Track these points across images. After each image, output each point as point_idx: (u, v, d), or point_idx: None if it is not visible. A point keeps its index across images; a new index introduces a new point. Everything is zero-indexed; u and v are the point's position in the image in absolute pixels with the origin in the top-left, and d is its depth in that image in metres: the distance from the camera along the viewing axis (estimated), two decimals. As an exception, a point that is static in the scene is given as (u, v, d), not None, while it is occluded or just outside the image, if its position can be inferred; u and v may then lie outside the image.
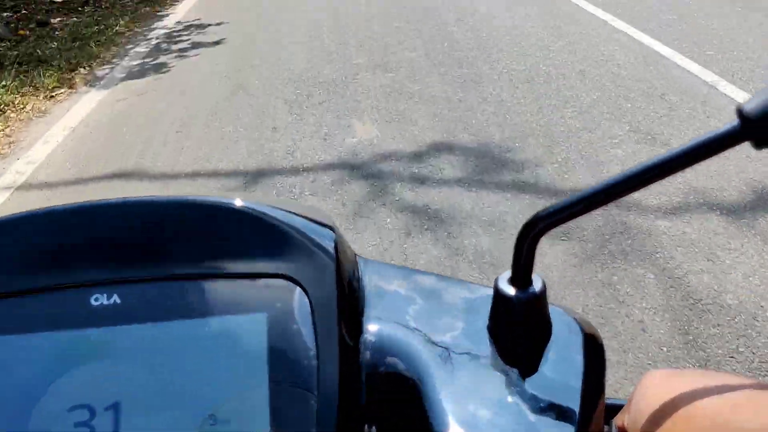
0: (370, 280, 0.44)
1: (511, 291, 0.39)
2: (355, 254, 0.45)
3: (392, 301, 0.43)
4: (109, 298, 0.39)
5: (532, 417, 0.36)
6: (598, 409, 0.38)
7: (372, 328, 0.41)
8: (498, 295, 0.40)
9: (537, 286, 0.39)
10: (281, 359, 0.38)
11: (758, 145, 0.30)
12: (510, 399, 0.37)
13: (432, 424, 0.36)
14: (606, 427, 0.40)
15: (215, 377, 0.38)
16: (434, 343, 0.40)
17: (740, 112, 0.30)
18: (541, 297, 0.39)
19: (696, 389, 0.35)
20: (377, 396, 0.39)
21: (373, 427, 0.39)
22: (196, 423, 0.37)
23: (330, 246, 0.41)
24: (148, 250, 0.40)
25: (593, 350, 0.40)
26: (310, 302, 0.39)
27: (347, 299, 0.40)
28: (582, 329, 0.41)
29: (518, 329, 0.39)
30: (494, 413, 0.36)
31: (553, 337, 0.40)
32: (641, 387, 0.38)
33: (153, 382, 0.37)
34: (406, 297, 0.44)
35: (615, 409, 0.43)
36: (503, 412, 0.37)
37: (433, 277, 0.45)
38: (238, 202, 0.41)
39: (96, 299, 0.39)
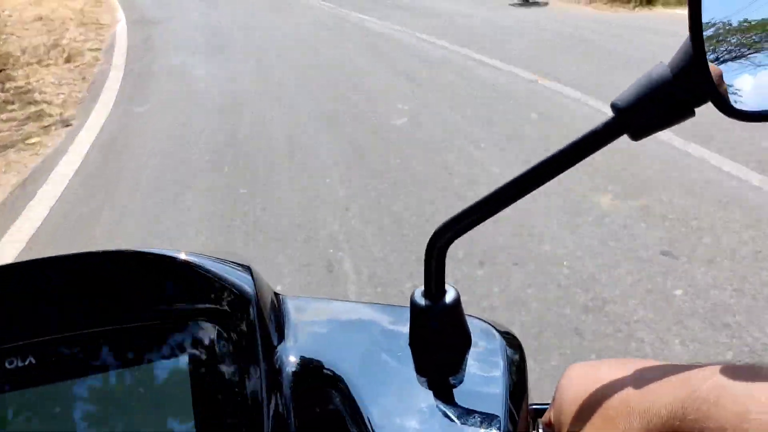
0: (290, 314, 0.44)
1: (425, 303, 0.40)
2: (274, 291, 0.45)
3: (313, 330, 0.43)
4: (23, 360, 0.38)
5: (458, 422, 0.37)
6: (522, 409, 0.38)
7: (294, 360, 0.41)
8: (414, 309, 0.40)
9: (450, 296, 0.40)
10: (206, 400, 0.38)
11: (635, 136, 0.32)
12: (436, 407, 0.38)
13: None
14: (531, 408, 0.40)
15: (140, 426, 0.37)
16: (358, 365, 0.41)
17: (614, 107, 0.32)
18: (456, 306, 0.40)
19: (613, 378, 0.36)
20: (305, 423, 0.39)
21: None
22: None
23: (248, 286, 0.41)
24: (63, 306, 0.39)
25: (513, 354, 0.41)
26: (231, 341, 0.39)
27: (268, 335, 0.40)
28: (500, 334, 0.42)
29: (437, 339, 0.40)
30: (421, 422, 0.37)
31: (473, 345, 0.41)
32: (563, 382, 0.39)
33: None
34: (327, 325, 0.44)
35: (542, 413, 0.44)
36: (430, 420, 0.37)
37: (354, 305, 0.46)
38: (155, 252, 0.41)
39: (10, 362, 0.38)
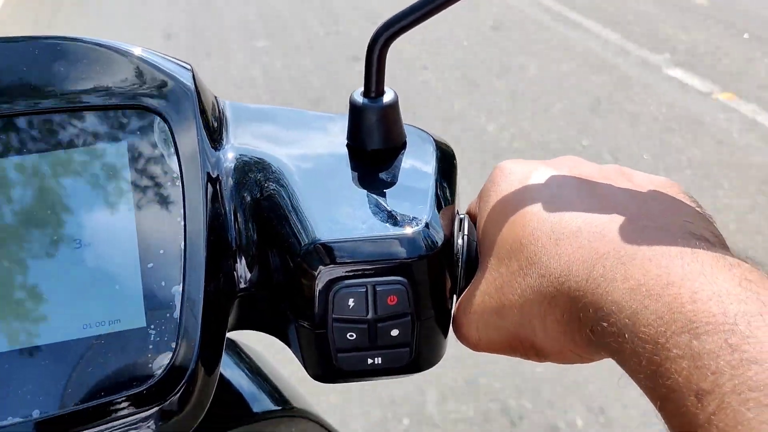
0: (231, 117, 0.45)
1: (363, 102, 0.41)
2: (214, 95, 0.45)
3: (253, 132, 0.44)
4: None
5: (389, 208, 0.39)
6: (448, 213, 0.40)
7: (231, 155, 0.42)
8: (353, 107, 0.42)
9: (389, 97, 0.41)
10: (145, 185, 0.39)
11: None
12: (369, 197, 0.40)
13: (299, 232, 0.38)
14: (458, 216, 0.42)
15: (77, 206, 0.38)
16: (296, 164, 0.42)
17: None
18: (394, 106, 0.42)
19: (541, 195, 0.36)
20: (243, 216, 0.41)
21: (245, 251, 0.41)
22: (60, 248, 0.37)
23: (188, 79, 0.41)
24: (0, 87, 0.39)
25: (445, 158, 0.43)
26: (171, 131, 0.39)
27: (208, 129, 0.41)
28: (434, 141, 0.44)
29: (372, 137, 0.42)
30: (354, 208, 0.39)
31: (407, 148, 0.43)
32: (492, 175, 0.40)
33: (12, 214, 0.37)
34: (267, 128, 0.45)
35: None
36: (362, 207, 0.39)
37: (295, 110, 0.47)
38: (92, 39, 0.41)
39: None
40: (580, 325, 0.31)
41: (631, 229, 0.31)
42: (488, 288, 0.37)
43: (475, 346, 0.39)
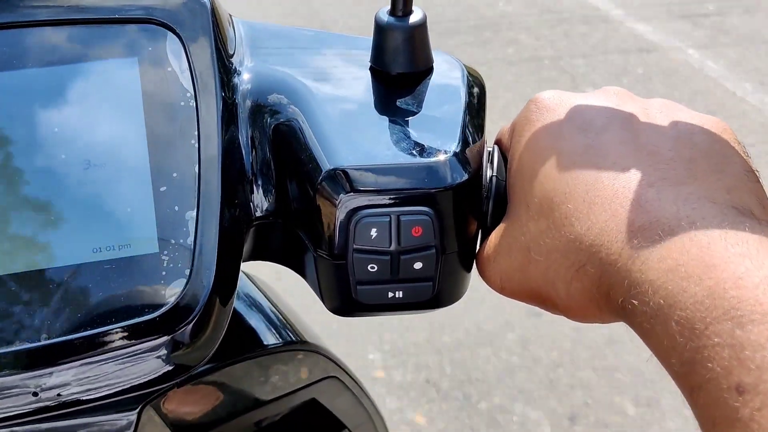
0: (246, 35, 0.42)
1: (390, 20, 0.39)
2: (229, 13, 0.43)
3: (271, 52, 0.42)
4: None
5: (415, 135, 0.37)
6: (477, 143, 0.38)
7: (248, 77, 0.40)
8: (378, 27, 0.39)
9: (417, 16, 0.39)
10: (157, 104, 0.37)
11: None
12: (393, 123, 0.38)
13: (319, 157, 0.36)
14: (487, 148, 0.40)
15: (86, 125, 0.36)
16: (316, 87, 0.40)
17: None
18: (421, 27, 0.39)
19: (577, 120, 0.34)
20: (259, 139, 0.39)
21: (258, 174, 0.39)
22: (70, 169, 0.36)
23: None
24: None
25: (474, 86, 0.41)
26: (185, 48, 0.37)
27: (223, 48, 0.39)
28: (464, 67, 0.42)
29: (398, 58, 0.39)
30: (378, 134, 0.37)
31: (434, 73, 0.41)
32: (527, 109, 0.38)
33: (19, 131, 0.36)
34: (286, 49, 0.43)
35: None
36: (386, 133, 0.37)
37: (315, 31, 0.44)
38: None
39: None
40: (609, 299, 0.30)
41: (672, 199, 0.29)
42: (514, 244, 0.35)
43: (499, 292, 0.38)
